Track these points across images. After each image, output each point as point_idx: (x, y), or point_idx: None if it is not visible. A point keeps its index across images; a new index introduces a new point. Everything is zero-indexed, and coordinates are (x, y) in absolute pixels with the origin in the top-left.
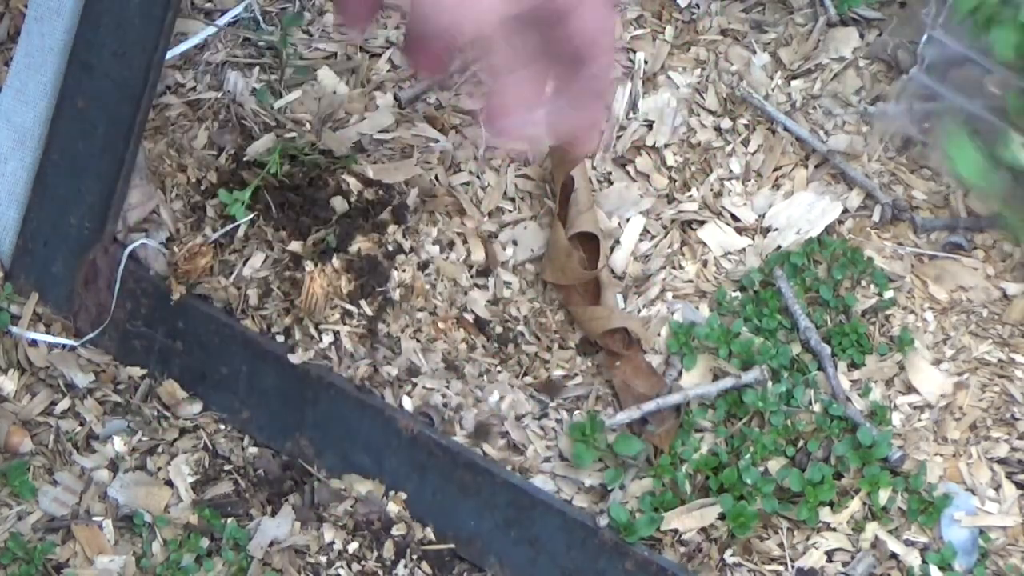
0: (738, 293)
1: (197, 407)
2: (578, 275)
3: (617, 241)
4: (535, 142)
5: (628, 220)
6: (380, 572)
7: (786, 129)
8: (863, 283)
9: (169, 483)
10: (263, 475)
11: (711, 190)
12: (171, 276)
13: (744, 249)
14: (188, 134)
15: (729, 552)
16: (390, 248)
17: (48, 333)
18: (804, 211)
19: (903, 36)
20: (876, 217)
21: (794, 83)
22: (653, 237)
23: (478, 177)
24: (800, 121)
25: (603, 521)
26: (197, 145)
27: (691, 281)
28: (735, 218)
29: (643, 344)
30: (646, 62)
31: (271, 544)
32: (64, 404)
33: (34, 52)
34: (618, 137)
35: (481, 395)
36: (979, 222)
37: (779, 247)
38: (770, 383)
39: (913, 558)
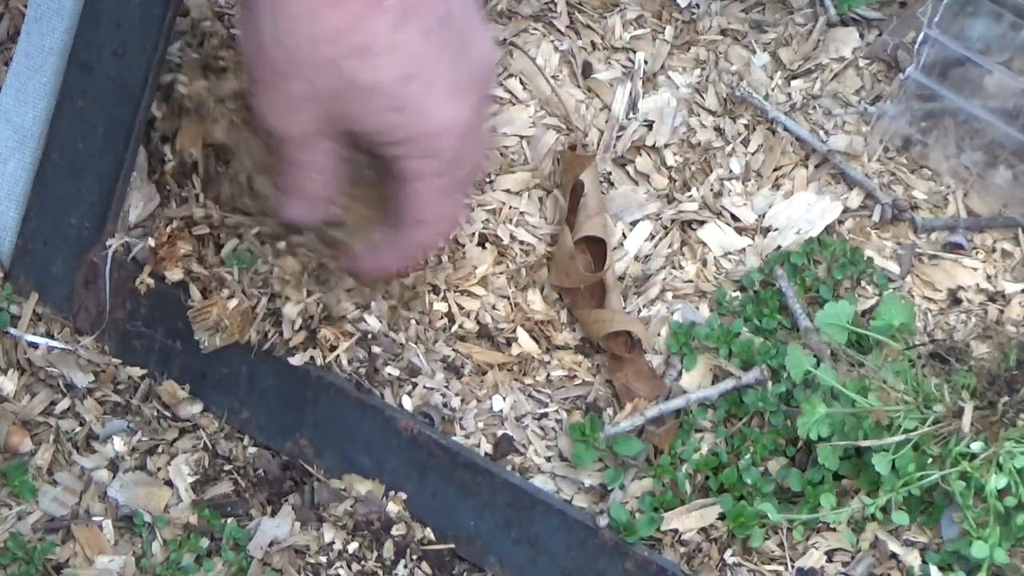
0: (738, 293)
1: (197, 407)
2: (582, 278)
3: (620, 244)
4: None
5: (634, 224)
6: (380, 572)
7: (786, 129)
8: (863, 283)
9: (169, 483)
10: (263, 475)
11: (711, 190)
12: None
13: (744, 249)
14: None
15: (729, 552)
16: None
17: (48, 333)
18: (804, 211)
19: (903, 36)
20: (876, 217)
21: (794, 83)
22: (653, 237)
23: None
24: (800, 121)
25: (603, 521)
26: None
27: (691, 281)
28: (735, 218)
29: (644, 345)
30: (646, 62)
31: (271, 544)
32: (64, 404)
33: (34, 52)
34: (618, 137)
35: (481, 395)
36: (979, 222)
37: (779, 247)
38: (770, 383)
39: (913, 558)
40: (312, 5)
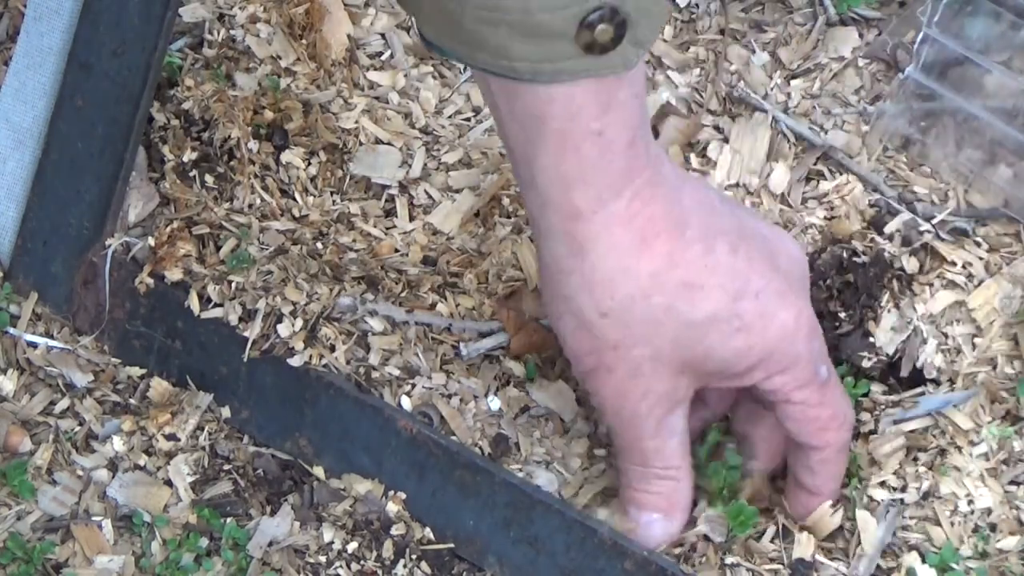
0: None
1: (196, 407)
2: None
3: None
4: None
5: None
6: (379, 572)
7: (786, 127)
8: None
9: (168, 483)
10: (262, 475)
11: None
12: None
13: None
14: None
15: (728, 552)
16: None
17: (47, 333)
18: None
19: (902, 36)
20: None
21: (793, 83)
22: None
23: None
24: (799, 120)
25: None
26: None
27: None
28: None
29: None
30: (646, 61)
31: (270, 544)
32: (63, 404)
33: (33, 52)
34: None
35: (479, 394)
36: (979, 213)
37: None
38: None
39: (913, 558)
40: (620, 261)
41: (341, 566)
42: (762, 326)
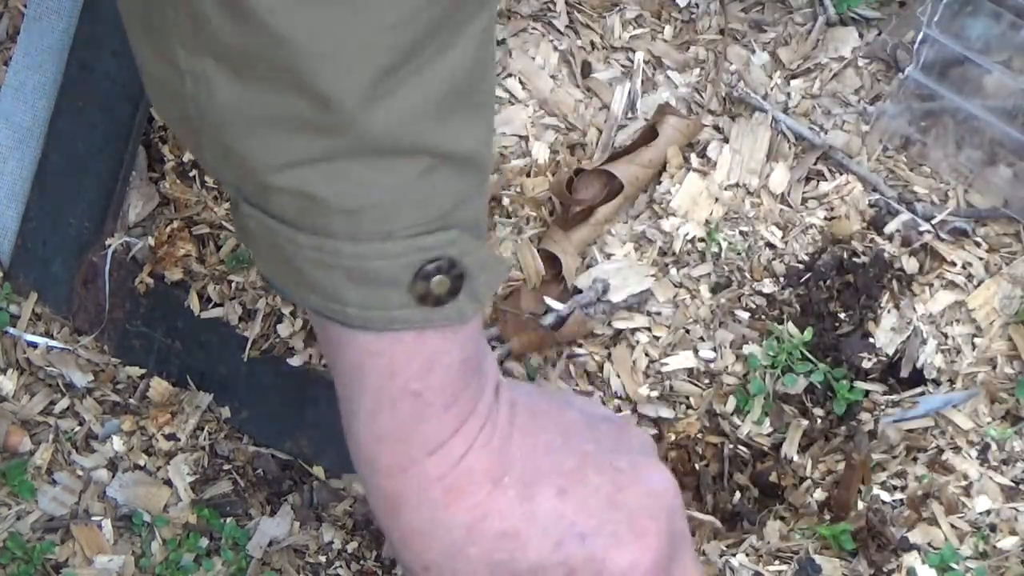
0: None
1: (196, 407)
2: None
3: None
4: None
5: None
6: (379, 572)
7: (786, 127)
8: None
9: (168, 483)
10: (262, 475)
11: None
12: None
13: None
14: None
15: (729, 552)
16: None
17: (47, 333)
18: None
19: (902, 36)
20: None
21: (793, 83)
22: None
23: None
24: (799, 120)
25: None
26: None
27: None
28: None
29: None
30: (645, 62)
31: (270, 544)
32: (63, 404)
33: (33, 51)
34: (617, 136)
35: None
36: (978, 212)
37: None
38: None
39: (913, 558)
40: (433, 514)
41: (341, 566)
42: (593, 570)
